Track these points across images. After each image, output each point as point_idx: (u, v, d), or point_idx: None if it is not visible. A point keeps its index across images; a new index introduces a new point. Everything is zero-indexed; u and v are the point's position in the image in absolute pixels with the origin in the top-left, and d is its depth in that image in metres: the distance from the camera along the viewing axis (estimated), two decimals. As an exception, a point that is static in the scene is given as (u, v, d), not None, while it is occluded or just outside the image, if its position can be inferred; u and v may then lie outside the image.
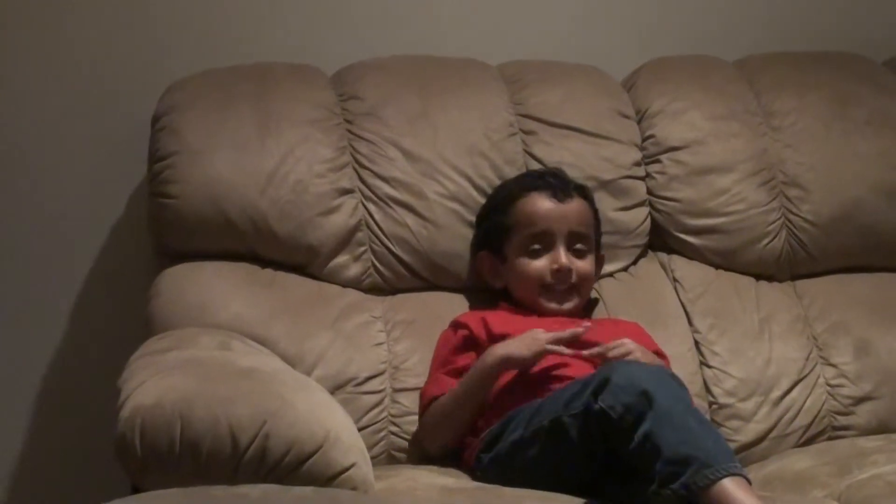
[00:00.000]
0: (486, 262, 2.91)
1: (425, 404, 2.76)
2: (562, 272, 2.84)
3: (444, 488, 2.52)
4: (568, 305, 2.85)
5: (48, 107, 3.13)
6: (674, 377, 2.46)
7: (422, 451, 2.77)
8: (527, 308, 2.86)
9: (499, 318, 2.82)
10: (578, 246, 2.87)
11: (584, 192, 2.93)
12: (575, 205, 2.88)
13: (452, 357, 2.79)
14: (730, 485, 2.26)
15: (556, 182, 2.90)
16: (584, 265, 2.87)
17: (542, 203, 2.87)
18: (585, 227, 2.89)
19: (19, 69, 3.12)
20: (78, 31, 3.12)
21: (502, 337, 2.74)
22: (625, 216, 3.02)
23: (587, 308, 2.94)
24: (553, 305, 2.85)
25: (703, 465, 2.26)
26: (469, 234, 2.94)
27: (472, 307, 2.92)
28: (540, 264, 2.85)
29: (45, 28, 3.11)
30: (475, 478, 2.61)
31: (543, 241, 2.86)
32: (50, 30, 3.11)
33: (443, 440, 2.74)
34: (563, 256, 2.84)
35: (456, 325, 2.83)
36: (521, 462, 2.53)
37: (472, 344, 2.78)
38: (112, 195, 3.16)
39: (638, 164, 3.05)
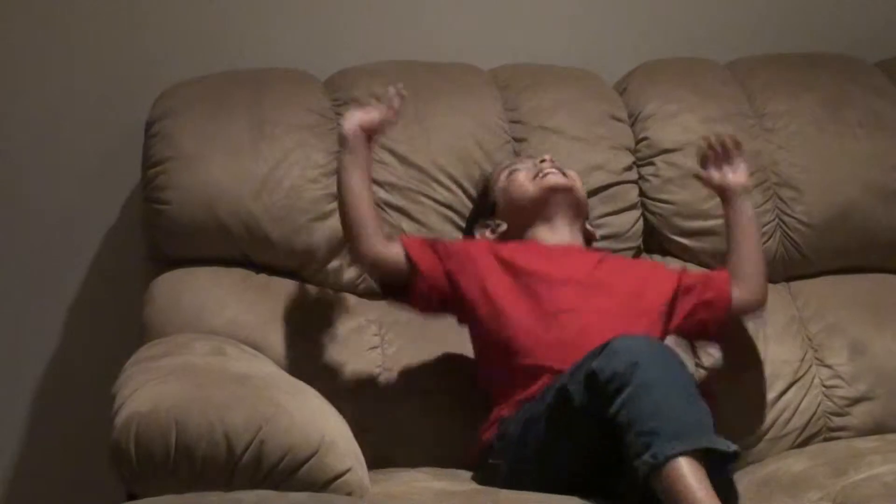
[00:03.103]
0: (484, 231, 2.89)
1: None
2: (546, 161, 2.86)
3: (439, 492, 2.52)
4: (568, 181, 2.84)
5: (42, 113, 3.13)
6: (674, 354, 2.43)
7: (420, 445, 2.78)
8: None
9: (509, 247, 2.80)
10: (557, 164, 2.89)
11: None
12: None
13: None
14: (684, 465, 2.24)
15: None
16: (572, 174, 2.88)
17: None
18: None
19: (13, 75, 3.12)
20: (72, 38, 3.12)
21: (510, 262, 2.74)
22: (616, 220, 3.02)
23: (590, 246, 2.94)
24: (551, 178, 2.83)
25: (671, 437, 2.25)
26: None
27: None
28: (522, 172, 2.86)
29: (39, 35, 3.11)
30: (486, 466, 2.59)
31: (520, 163, 2.90)
32: (44, 37, 3.11)
33: (348, 235, 2.74)
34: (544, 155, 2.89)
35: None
36: (533, 440, 2.51)
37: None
38: (106, 201, 3.16)
39: (629, 168, 3.05)
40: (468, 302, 2.73)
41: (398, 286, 2.74)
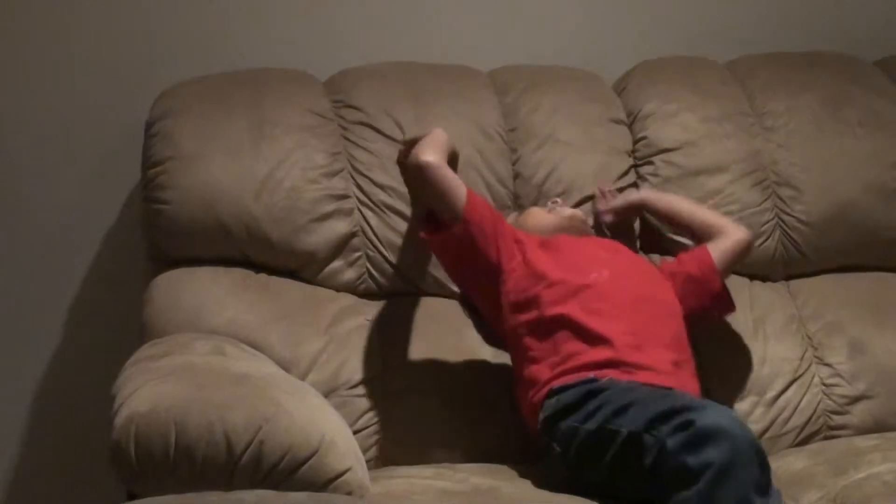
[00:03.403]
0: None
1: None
2: (558, 201, 2.93)
3: (440, 492, 2.52)
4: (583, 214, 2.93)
5: (42, 113, 3.13)
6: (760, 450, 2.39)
7: (420, 444, 2.78)
8: None
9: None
10: None
11: None
12: None
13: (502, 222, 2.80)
14: None
15: None
16: None
17: None
18: None
19: (14, 76, 3.12)
20: (72, 39, 3.12)
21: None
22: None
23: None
24: (570, 210, 2.92)
25: None
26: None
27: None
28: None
29: (40, 36, 3.11)
30: (542, 444, 2.59)
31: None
32: (44, 38, 3.11)
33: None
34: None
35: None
36: (595, 456, 2.49)
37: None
38: (106, 201, 3.16)
39: (628, 171, 3.06)
40: (511, 270, 2.76)
41: (434, 219, 2.77)
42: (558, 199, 2.95)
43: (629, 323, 2.68)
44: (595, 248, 2.85)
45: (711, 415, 2.33)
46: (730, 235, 2.90)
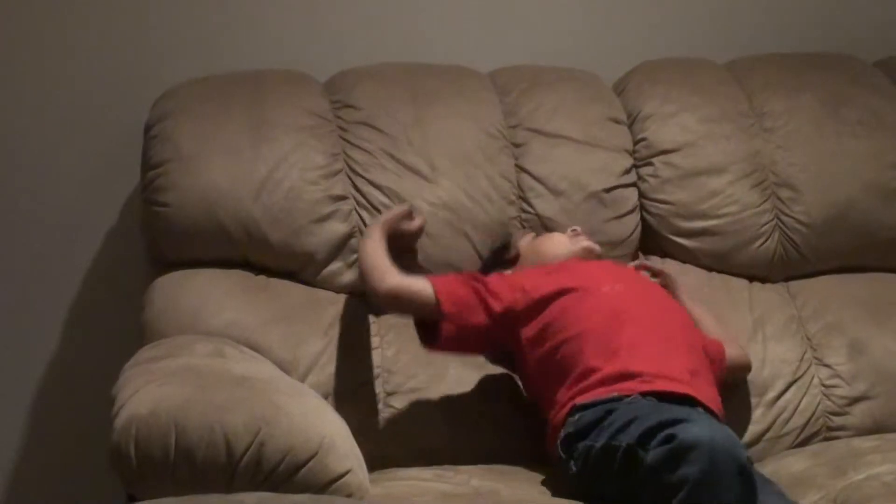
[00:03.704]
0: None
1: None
2: (578, 231, 2.91)
3: (441, 493, 2.52)
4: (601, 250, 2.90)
5: (42, 115, 3.13)
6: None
7: (420, 446, 2.78)
8: None
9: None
10: None
11: None
12: None
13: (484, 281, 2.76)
14: None
15: None
16: None
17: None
18: None
19: (13, 77, 3.12)
20: (71, 40, 3.12)
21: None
22: (617, 226, 3.03)
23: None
24: (585, 243, 2.88)
25: None
26: (461, 244, 2.95)
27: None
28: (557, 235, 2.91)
29: (39, 37, 3.11)
30: (563, 464, 2.55)
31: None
32: (44, 39, 3.11)
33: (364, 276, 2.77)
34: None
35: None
36: (603, 472, 2.46)
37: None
38: (106, 203, 3.16)
39: (629, 171, 3.06)
40: (522, 318, 2.71)
41: (428, 323, 2.73)
42: (577, 228, 2.93)
43: (646, 333, 2.66)
44: (607, 266, 2.86)
45: (693, 429, 2.29)
46: (739, 351, 2.89)
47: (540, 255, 2.88)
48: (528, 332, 2.70)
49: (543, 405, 2.67)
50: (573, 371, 2.62)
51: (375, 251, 2.77)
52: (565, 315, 2.68)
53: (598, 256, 2.90)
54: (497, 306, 2.70)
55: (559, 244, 2.89)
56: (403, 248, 2.88)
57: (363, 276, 2.78)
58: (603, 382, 2.58)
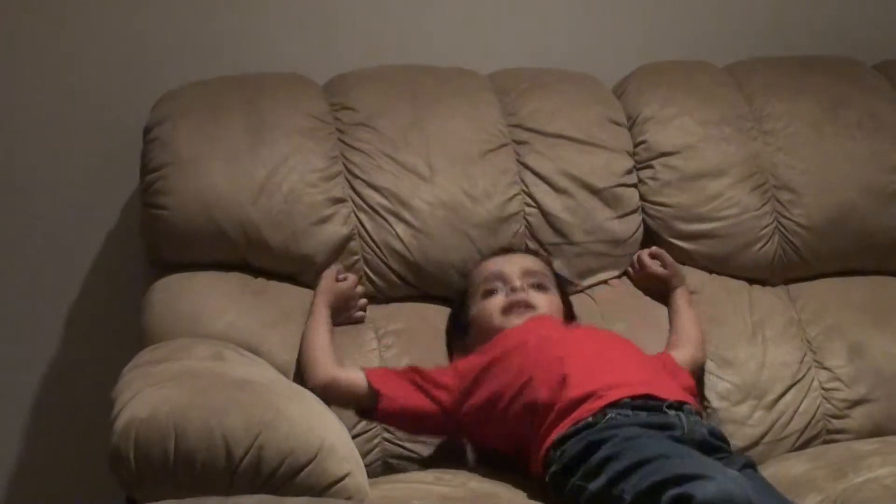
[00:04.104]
0: (460, 351, 2.84)
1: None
2: (517, 292, 2.80)
3: (440, 497, 2.52)
4: (531, 314, 2.80)
5: (41, 118, 3.13)
6: None
7: (419, 449, 2.77)
8: None
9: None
10: (533, 280, 2.84)
11: (535, 252, 2.94)
12: (522, 254, 2.91)
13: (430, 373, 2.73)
14: None
15: (506, 245, 2.94)
16: (545, 298, 2.83)
17: (489, 260, 2.89)
18: (539, 267, 2.88)
19: (12, 81, 3.12)
20: (71, 43, 3.12)
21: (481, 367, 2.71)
22: (619, 225, 3.03)
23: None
24: (516, 320, 2.78)
25: None
26: (461, 244, 2.94)
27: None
28: (497, 298, 2.81)
29: (39, 40, 3.11)
30: (548, 489, 2.53)
31: (497, 281, 2.83)
32: (43, 42, 3.11)
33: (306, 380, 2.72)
34: (516, 280, 2.82)
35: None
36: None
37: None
38: (105, 206, 3.16)
39: (630, 171, 3.06)
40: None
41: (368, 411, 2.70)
42: (518, 285, 2.81)
43: (588, 360, 2.63)
44: (539, 323, 2.77)
45: (711, 489, 2.21)
46: (694, 351, 2.88)
47: (483, 331, 2.80)
48: (475, 402, 2.67)
49: (521, 461, 2.63)
50: (533, 416, 2.59)
51: (311, 339, 2.76)
52: (506, 375, 2.65)
53: (532, 307, 2.81)
54: (436, 390, 2.68)
55: (492, 319, 2.80)
56: (352, 308, 2.88)
57: (300, 370, 2.75)
58: (567, 411, 2.55)
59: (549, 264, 2.94)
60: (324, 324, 2.80)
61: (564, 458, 2.49)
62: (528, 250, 2.96)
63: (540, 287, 2.85)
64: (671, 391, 2.62)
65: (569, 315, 2.88)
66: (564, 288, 2.93)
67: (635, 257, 3.03)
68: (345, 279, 2.88)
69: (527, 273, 2.85)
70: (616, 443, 2.44)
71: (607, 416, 2.52)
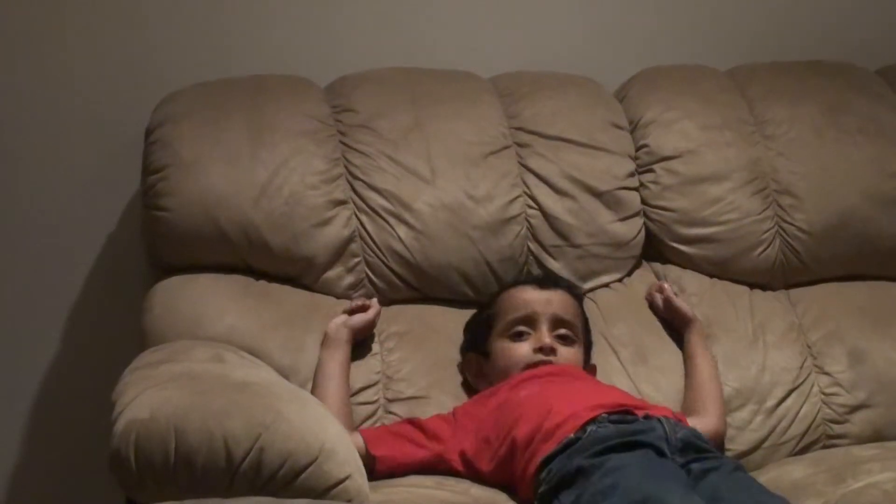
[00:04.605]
0: (472, 364, 2.85)
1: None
2: (544, 350, 2.79)
3: (441, 502, 2.52)
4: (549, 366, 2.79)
5: (43, 119, 3.13)
6: None
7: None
8: None
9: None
10: (563, 331, 2.83)
11: (571, 289, 2.91)
12: (559, 294, 2.87)
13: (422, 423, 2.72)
14: None
15: (542, 275, 2.92)
16: (569, 352, 2.82)
17: (526, 290, 2.87)
18: (571, 315, 2.85)
19: (14, 82, 3.12)
20: (72, 45, 3.12)
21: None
22: (621, 227, 3.02)
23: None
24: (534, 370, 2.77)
25: None
26: (462, 246, 2.94)
27: (465, 320, 2.92)
28: (523, 347, 2.80)
29: (40, 41, 3.11)
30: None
31: (526, 324, 2.82)
32: (45, 44, 3.11)
33: None
34: (546, 336, 2.80)
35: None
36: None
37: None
38: (106, 208, 3.16)
39: (632, 174, 3.06)
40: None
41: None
42: (547, 343, 2.79)
43: (574, 395, 2.63)
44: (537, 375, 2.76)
45: None
46: (708, 425, 2.79)
47: (501, 370, 2.79)
48: (467, 448, 2.67)
49: (514, 486, 2.63)
50: (520, 450, 2.59)
51: (329, 390, 2.72)
52: (503, 423, 2.64)
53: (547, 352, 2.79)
54: (431, 442, 2.68)
55: (513, 365, 2.78)
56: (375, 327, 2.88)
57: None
58: (550, 432, 2.56)
59: (581, 301, 2.93)
60: (334, 378, 2.75)
61: (553, 479, 2.49)
62: (561, 284, 2.91)
63: (566, 340, 2.83)
64: (650, 410, 2.62)
65: (586, 360, 2.87)
66: (588, 328, 2.91)
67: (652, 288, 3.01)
68: (365, 308, 2.85)
69: (557, 322, 2.83)
70: (605, 472, 2.42)
71: (587, 431, 2.52)
